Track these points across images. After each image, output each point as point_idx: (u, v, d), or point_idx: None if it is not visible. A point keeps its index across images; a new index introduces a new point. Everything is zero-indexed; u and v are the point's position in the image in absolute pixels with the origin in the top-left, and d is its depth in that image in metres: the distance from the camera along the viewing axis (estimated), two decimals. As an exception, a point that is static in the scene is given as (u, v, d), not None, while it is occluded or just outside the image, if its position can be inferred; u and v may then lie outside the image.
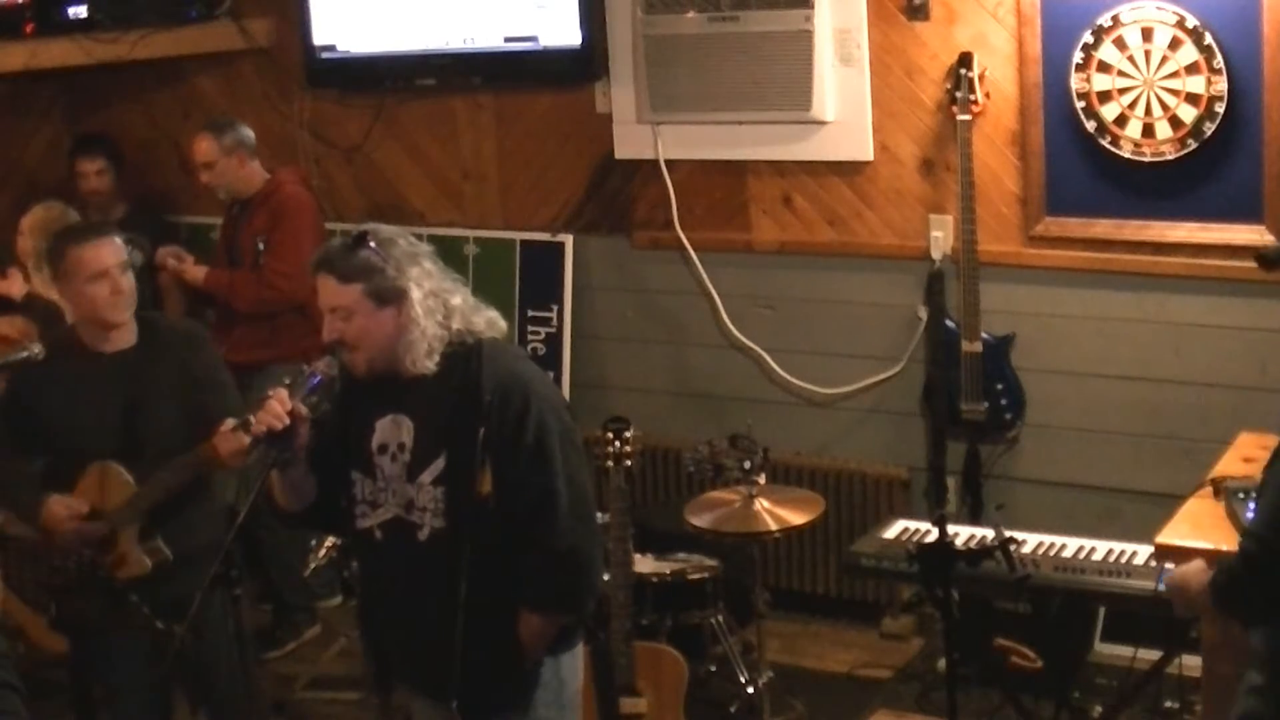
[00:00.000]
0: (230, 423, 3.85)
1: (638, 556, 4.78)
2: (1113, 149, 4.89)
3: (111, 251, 4.09)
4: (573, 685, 3.59)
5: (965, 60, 5.06)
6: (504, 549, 3.38)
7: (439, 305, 3.36)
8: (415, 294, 3.32)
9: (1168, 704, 4.56)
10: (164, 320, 4.32)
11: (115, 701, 4.29)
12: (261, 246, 5.62)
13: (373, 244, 3.34)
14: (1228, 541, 3.53)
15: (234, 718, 4.25)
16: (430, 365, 3.35)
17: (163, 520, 4.08)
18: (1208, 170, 4.79)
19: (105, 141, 6.58)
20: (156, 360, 4.14)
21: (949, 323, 5.31)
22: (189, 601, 3.54)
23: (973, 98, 5.04)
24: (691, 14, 5.40)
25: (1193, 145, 4.76)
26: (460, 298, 3.43)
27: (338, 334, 3.34)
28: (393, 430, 3.43)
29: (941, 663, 4.74)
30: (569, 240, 6.05)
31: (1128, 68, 4.81)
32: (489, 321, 3.46)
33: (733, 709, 4.89)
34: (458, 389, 3.35)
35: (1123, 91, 4.83)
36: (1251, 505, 3.51)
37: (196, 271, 5.71)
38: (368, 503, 3.47)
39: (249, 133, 5.74)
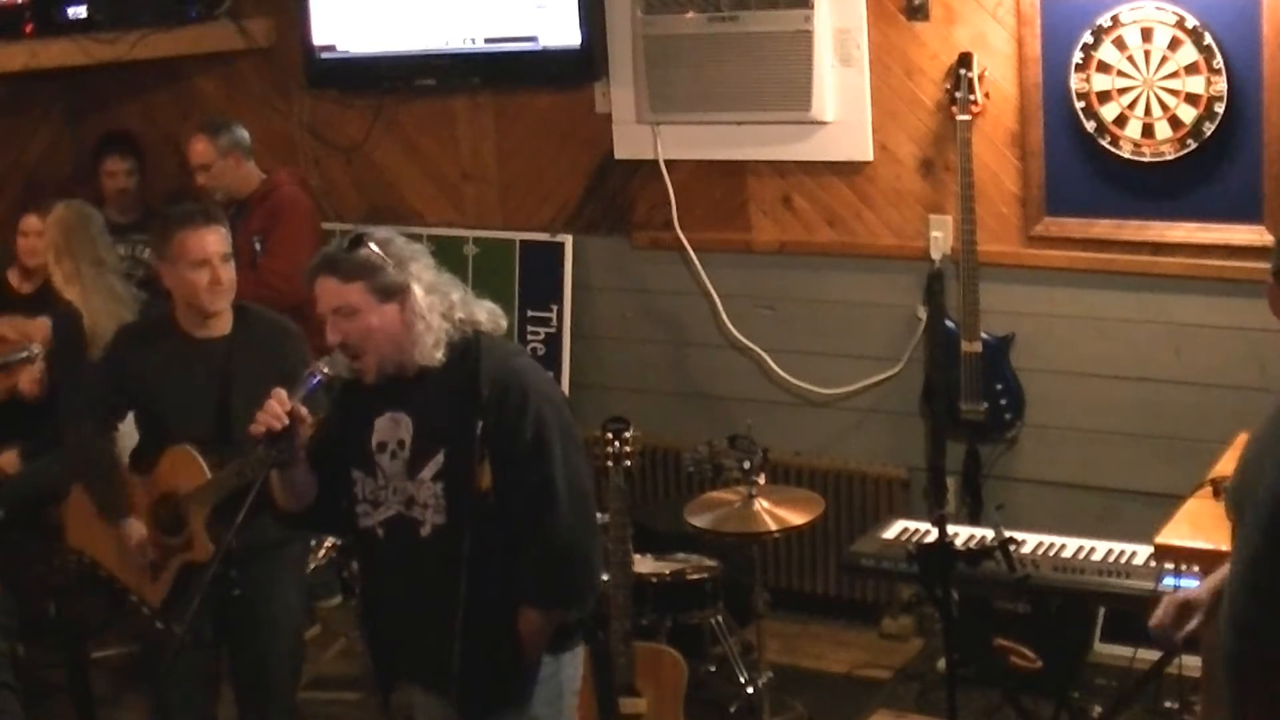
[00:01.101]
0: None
1: (637, 557, 4.78)
2: (1112, 149, 4.89)
3: (216, 240, 4.12)
4: (571, 686, 3.59)
5: (965, 60, 5.06)
6: (504, 545, 3.38)
7: (440, 299, 3.37)
8: (417, 288, 3.33)
9: (1168, 704, 4.56)
10: (258, 311, 4.33)
11: (161, 695, 4.31)
12: (258, 247, 5.62)
13: (371, 243, 3.35)
14: (1226, 542, 3.51)
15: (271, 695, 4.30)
16: (439, 356, 3.35)
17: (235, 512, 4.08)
18: (1207, 170, 4.79)
19: (133, 141, 6.55)
20: (249, 350, 4.16)
21: (949, 323, 5.31)
22: (261, 585, 3.55)
23: (972, 98, 5.04)
24: (691, 14, 5.40)
25: (1192, 145, 4.76)
26: (458, 294, 3.44)
27: (342, 335, 3.35)
28: (392, 428, 3.43)
29: (941, 663, 4.74)
30: (569, 240, 6.05)
31: (1127, 68, 4.81)
32: (490, 315, 3.46)
33: (732, 709, 4.89)
34: (456, 384, 3.35)
35: (1122, 92, 4.83)
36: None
37: None
38: (369, 502, 3.47)
39: (244, 133, 5.73)
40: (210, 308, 4.15)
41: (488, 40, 5.90)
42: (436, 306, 3.35)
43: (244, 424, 3.98)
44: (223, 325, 4.20)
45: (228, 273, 4.14)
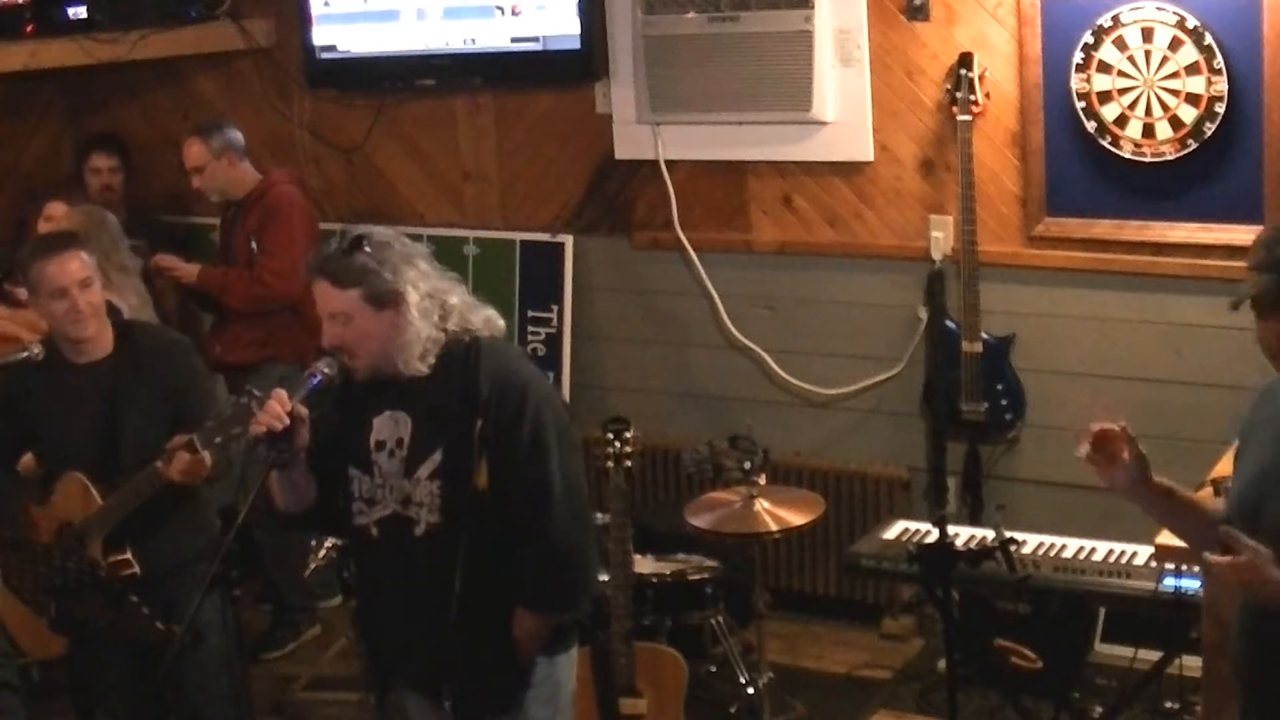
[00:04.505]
0: (179, 440, 3.78)
1: (638, 557, 4.78)
2: (1113, 149, 4.89)
3: (72, 269, 4.02)
4: (567, 688, 3.59)
5: (965, 60, 5.06)
6: (499, 545, 3.38)
7: (436, 306, 3.37)
8: (412, 296, 3.33)
9: (1168, 704, 4.56)
10: (143, 329, 4.26)
11: (107, 704, 4.29)
12: (255, 246, 5.62)
13: (368, 247, 3.34)
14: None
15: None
16: (423, 368, 3.36)
17: (142, 533, 4.03)
18: (1208, 170, 4.79)
19: (118, 141, 6.56)
20: (132, 370, 4.10)
21: (949, 323, 5.31)
22: (182, 607, 3.54)
23: (973, 98, 5.04)
24: (691, 14, 5.40)
25: (1193, 145, 4.76)
26: (457, 296, 3.44)
27: (338, 339, 3.35)
28: (390, 427, 3.43)
29: (941, 663, 4.74)
30: (569, 240, 6.05)
31: (1128, 68, 4.81)
32: (486, 320, 3.46)
33: (733, 709, 4.88)
34: (455, 385, 3.36)
35: (1123, 92, 4.83)
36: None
37: (190, 270, 5.71)
38: (365, 500, 3.47)
39: (238, 134, 5.73)
40: (74, 335, 4.07)
41: (488, 40, 5.89)
42: (430, 313, 3.35)
43: (132, 447, 3.94)
44: (102, 348, 4.12)
45: (88, 299, 4.03)
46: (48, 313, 4.07)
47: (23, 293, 5.78)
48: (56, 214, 5.72)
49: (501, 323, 3.51)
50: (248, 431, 3.43)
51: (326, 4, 6.16)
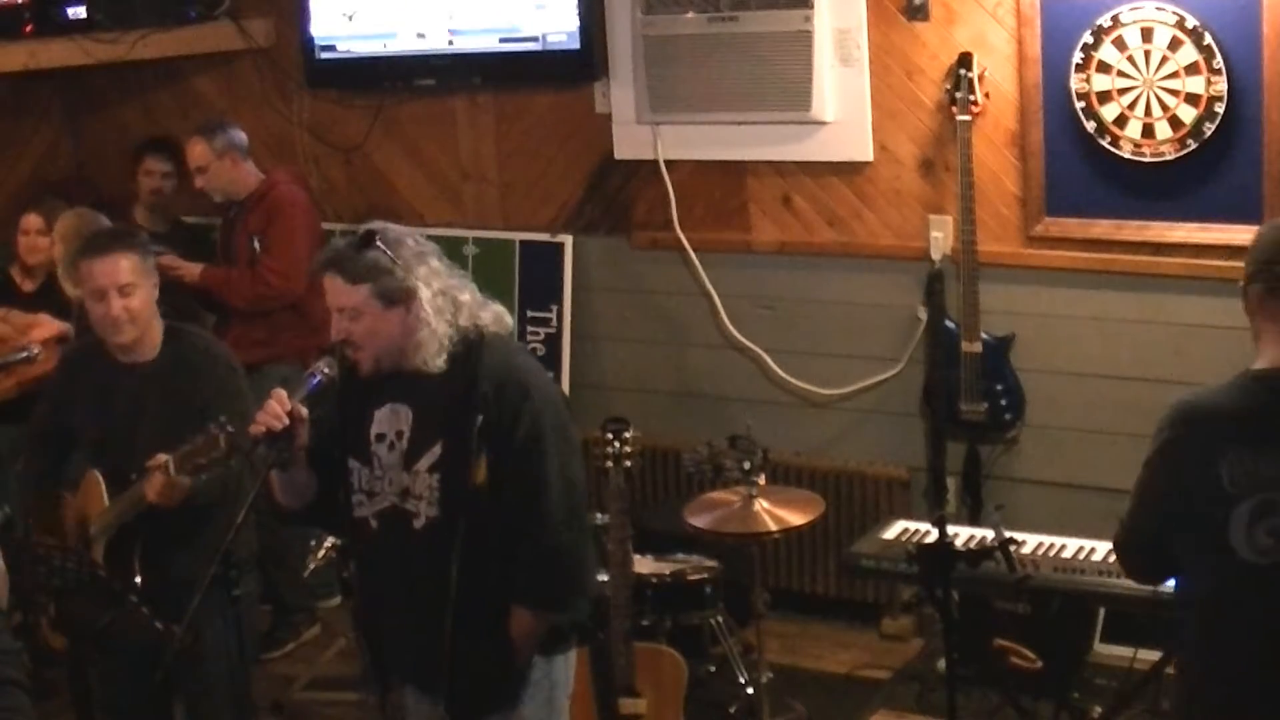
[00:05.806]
0: (160, 459, 3.75)
1: (637, 557, 4.78)
2: (1112, 149, 4.89)
3: (114, 271, 3.96)
4: (564, 689, 3.59)
5: (965, 60, 5.06)
6: (497, 542, 3.38)
7: (449, 304, 3.37)
8: (424, 294, 3.33)
9: (1167, 704, 4.55)
10: (191, 337, 4.21)
11: (111, 704, 4.29)
12: (257, 246, 5.62)
13: (381, 244, 3.34)
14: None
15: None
16: (441, 364, 3.35)
17: (151, 545, 4.01)
18: (1207, 170, 4.79)
19: (172, 146, 6.52)
20: (166, 379, 4.07)
21: (949, 323, 5.31)
22: (192, 623, 3.54)
23: (972, 98, 5.04)
24: (691, 14, 5.40)
25: (1192, 145, 4.76)
26: (468, 294, 3.44)
27: (345, 333, 3.35)
28: (391, 419, 3.44)
29: (941, 663, 4.74)
30: (568, 240, 6.05)
31: (1127, 68, 4.81)
32: (495, 316, 3.47)
33: (732, 709, 4.89)
34: (457, 379, 3.36)
35: (1122, 92, 4.83)
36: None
37: (192, 269, 5.71)
38: (364, 492, 3.47)
39: (240, 134, 5.73)
40: (109, 338, 4.03)
41: (488, 40, 5.90)
42: (444, 311, 3.35)
43: (144, 453, 3.88)
44: (148, 350, 4.08)
45: (127, 305, 3.96)
46: (90, 310, 4.04)
47: (29, 284, 5.84)
48: (32, 226, 5.74)
49: (509, 319, 3.52)
50: (220, 460, 3.44)
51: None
